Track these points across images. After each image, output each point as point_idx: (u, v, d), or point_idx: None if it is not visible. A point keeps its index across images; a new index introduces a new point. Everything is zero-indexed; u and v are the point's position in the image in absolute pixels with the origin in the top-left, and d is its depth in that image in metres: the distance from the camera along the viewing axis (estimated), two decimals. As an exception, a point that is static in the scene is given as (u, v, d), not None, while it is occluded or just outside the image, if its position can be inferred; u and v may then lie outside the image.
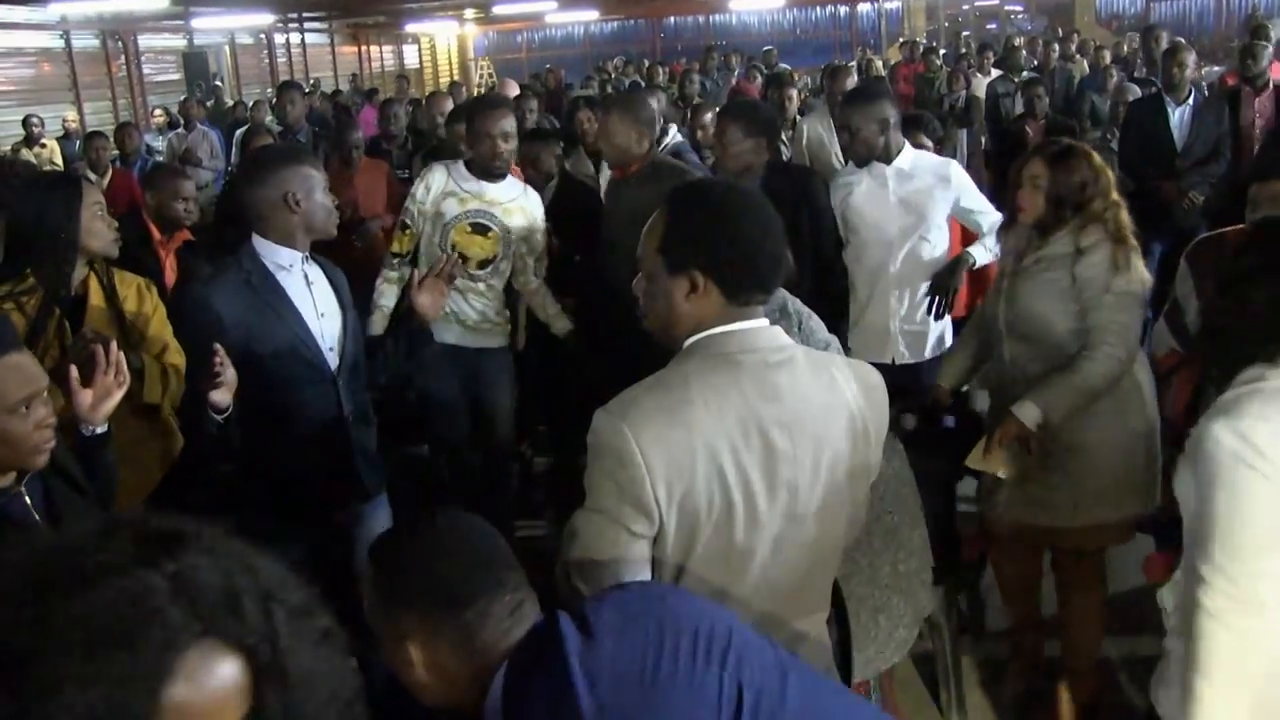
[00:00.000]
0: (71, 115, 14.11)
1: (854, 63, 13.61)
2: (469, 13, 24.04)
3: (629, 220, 3.71)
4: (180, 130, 11.81)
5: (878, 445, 1.98)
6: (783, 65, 14.22)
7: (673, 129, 5.38)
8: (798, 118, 7.56)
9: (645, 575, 1.80)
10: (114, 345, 2.55)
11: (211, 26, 17.95)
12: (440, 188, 4.33)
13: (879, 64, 15.15)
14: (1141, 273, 3.14)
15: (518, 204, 4.41)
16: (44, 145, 12.06)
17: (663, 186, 4.17)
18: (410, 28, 24.95)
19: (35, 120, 12.37)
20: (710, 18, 27.34)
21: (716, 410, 1.79)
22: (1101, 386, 3.12)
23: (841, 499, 1.94)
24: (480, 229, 4.34)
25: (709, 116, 6.78)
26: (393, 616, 1.57)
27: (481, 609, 1.54)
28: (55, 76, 15.86)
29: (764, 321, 1.90)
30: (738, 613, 1.80)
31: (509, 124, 4.29)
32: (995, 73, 10.65)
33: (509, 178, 4.45)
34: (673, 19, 27.77)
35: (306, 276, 3.07)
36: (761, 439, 1.81)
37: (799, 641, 1.99)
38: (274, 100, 10.68)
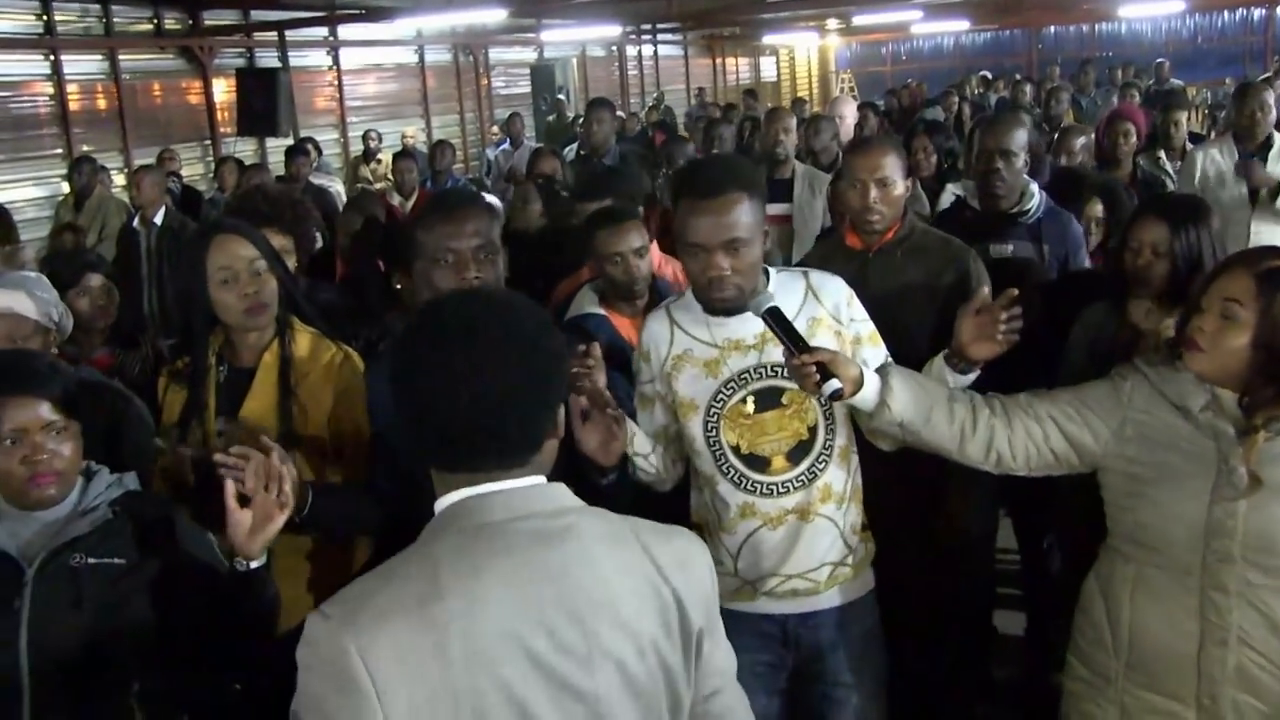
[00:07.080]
0: (410, 130, 14.22)
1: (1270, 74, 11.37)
2: (831, 23, 23.19)
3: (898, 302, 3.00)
4: (506, 148, 11.41)
5: (710, 638, 1.55)
6: (1175, 81, 12.12)
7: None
8: (1187, 146, 5.98)
9: None
10: (275, 454, 2.04)
11: (562, 39, 17.80)
12: (666, 348, 2.46)
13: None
14: None
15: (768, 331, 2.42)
16: (379, 160, 12.03)
17: (932, 264, 3.19)
18: (768, 39, 24.23)
19: (373, 135, 12.46)
20: (1095, 27, 24.91)
21: (482, 605, 1.35)
22: None
23: (657, 707, 1.48)
24: (769, 399, 2.43)
25: (1081, 141, 5.45)
26: None
27: None
28: (408, 91, 16.10)
29: (537, 479, 1.48)
30: None
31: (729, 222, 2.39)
32: None
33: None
34: (1052, 28, 25.55)
35: None
36: (547, 637, 1.38)
37: None
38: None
